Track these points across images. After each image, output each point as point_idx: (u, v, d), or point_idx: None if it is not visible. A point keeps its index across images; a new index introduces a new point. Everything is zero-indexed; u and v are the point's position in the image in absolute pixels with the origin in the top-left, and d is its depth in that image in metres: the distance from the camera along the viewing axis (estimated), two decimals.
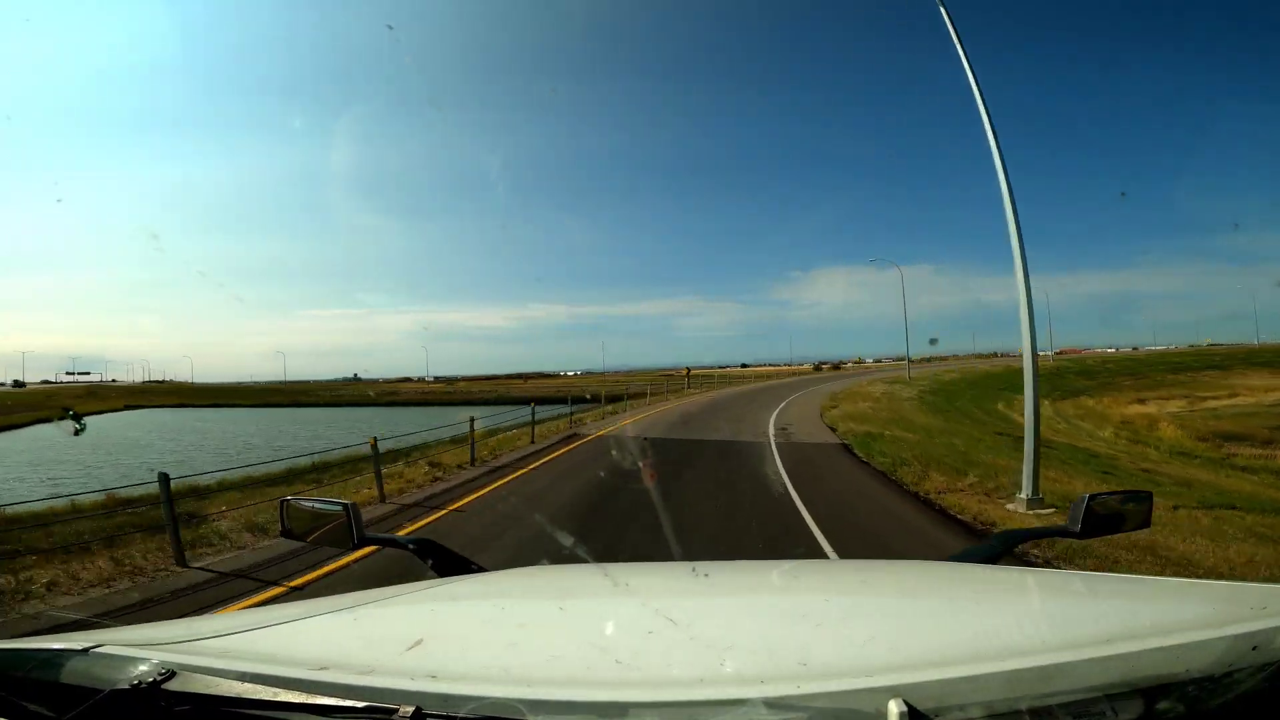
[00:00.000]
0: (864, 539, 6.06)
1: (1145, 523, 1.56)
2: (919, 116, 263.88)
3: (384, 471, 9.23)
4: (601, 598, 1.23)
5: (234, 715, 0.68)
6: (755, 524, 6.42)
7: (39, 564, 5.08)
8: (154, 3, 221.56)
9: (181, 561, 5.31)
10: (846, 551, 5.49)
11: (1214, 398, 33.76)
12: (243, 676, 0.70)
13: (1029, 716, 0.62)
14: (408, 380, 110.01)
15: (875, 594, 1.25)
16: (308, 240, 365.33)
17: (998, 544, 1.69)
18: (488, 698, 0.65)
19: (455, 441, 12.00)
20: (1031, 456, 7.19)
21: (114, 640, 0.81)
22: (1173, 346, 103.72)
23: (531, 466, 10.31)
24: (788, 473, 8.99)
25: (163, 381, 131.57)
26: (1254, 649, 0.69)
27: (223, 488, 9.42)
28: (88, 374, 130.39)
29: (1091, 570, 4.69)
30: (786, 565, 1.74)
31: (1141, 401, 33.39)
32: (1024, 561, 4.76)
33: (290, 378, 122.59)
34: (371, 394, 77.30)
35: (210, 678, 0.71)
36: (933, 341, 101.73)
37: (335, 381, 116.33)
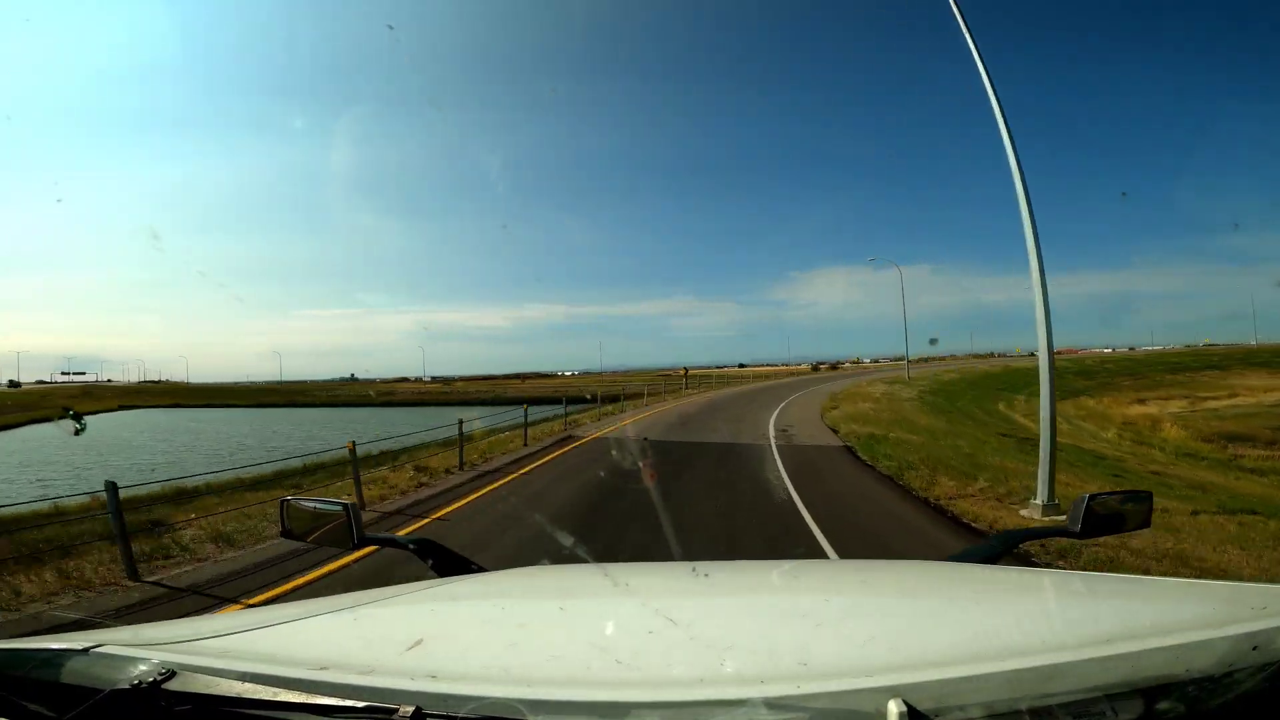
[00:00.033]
0: (876, 552, 5.66)
1: (1145, 523, 1.55)
2: (918, 116, 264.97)
3: (368, 476, 8.87)
4: (602, 598, 1.22)
5: (234, 715, 0.68)
6: (759, 533, 6.05)
7: None
8: (154, 3, 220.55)
9: (133, 575, 4.90)
10: None
11: (1214, 398, 33.65)
12: (243, 676, 0.70)
13: (1029, 716, 0.62)
14: (405, 380, 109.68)
15: (875, 594, 1.24)
16: (307, 240, 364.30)
17: (998, 544, 1.68)
18: (488, 698, 0.65)
19: (446, 444, 11.59)
20: (1047, 461, 6.87)
21: (114, 640, 0.81)
22: (1169, 346, 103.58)
23: (522, 471, 9.89)
24: (790, 478, 8.60)
25: (158, 381, 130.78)
26: (1254, 649, 0.68)
27: (210, 490, 9.11)
28: (83, 374, 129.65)
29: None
30: (786, 565, 1.71)
31: (1142, 402, 33.25)
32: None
33: (289, 378, 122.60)
34: (372, 394, 76.76)
35: (210, 678, 0.70)
36: (933, 341, 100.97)
37: (332, 381, 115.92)
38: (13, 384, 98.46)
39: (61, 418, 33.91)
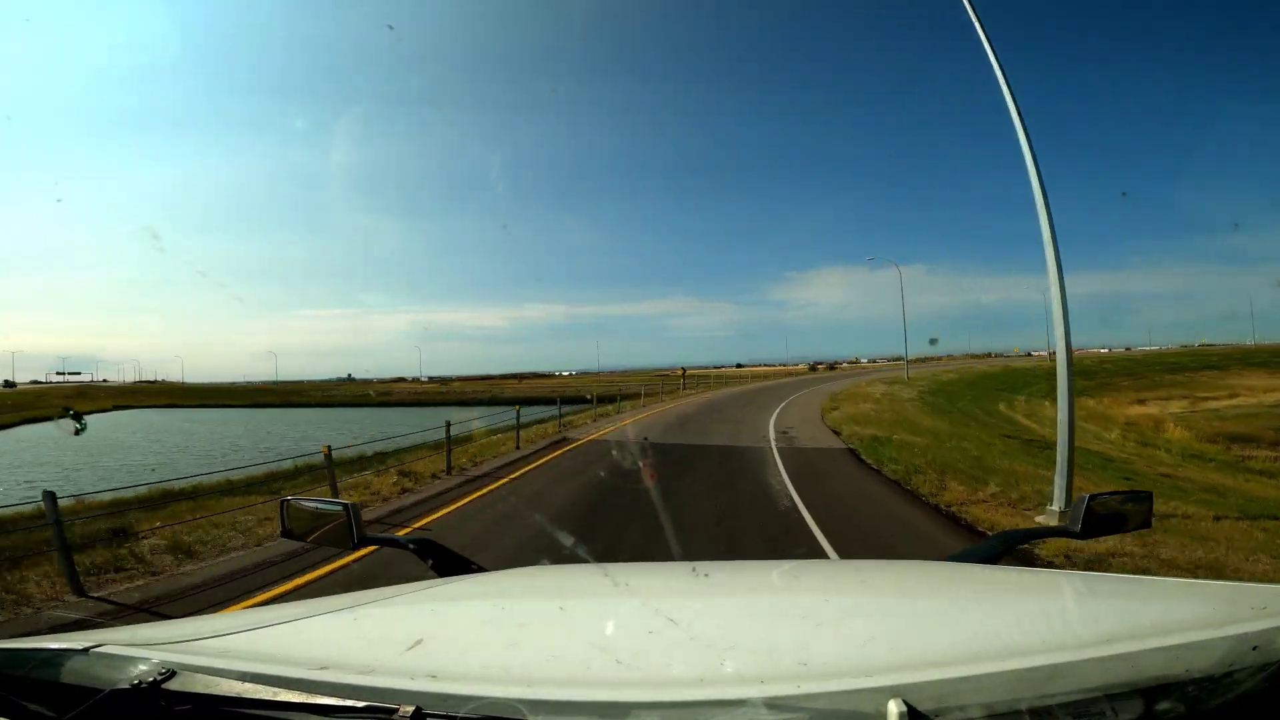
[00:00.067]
0: None
1: (1146, 523, 1.55)
2: (917, 117, 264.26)
3: (351, 481, 8.48)
4: (602, 597, 1.22)
5: (234, 715, 0.67)
6: (763, 545, 5.68)
7: None
8: (154, 3, 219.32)
9: (79, 590, 4.50)
10: None
11: (1214, 398, 33.45)
12: (243, 676, 0.70)
13: (1029, 716, 0.61)
14: (402, 380, 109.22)
15: (875, 594, 1.23)
16: (306, 240, 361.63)
17: (998, 544, 1.68)
18: (488, 698, 0.64)
19: (437, 446, 11.19)
20: (1065, 466, 6.49)
21: (114, 640, 0.80)
22: (1166, 346, 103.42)
23: (512, 476, 9.48)
24: (793, 483, 8.21)
25: (154, 381, 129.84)
26: (1254, 649, 0.68)
27: (201, 491, 8.74)
28: (78, 374, 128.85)
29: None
30: (786, 565, 1.70)
31: (1142, 402, 33.01)
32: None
33: (287, 377, 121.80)
34: (372, 394, 76.34)
35: (210, 677, 0.70)
36: (933, 341, 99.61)
37: (329, 381, 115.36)
38: (8, 384, 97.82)
39: (61, 417, 34.03)
